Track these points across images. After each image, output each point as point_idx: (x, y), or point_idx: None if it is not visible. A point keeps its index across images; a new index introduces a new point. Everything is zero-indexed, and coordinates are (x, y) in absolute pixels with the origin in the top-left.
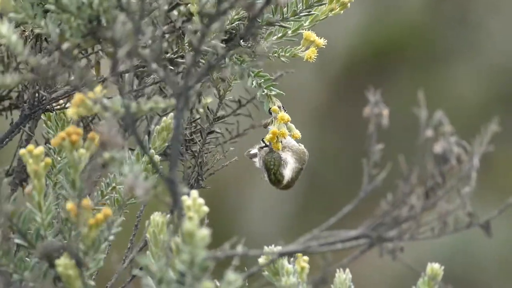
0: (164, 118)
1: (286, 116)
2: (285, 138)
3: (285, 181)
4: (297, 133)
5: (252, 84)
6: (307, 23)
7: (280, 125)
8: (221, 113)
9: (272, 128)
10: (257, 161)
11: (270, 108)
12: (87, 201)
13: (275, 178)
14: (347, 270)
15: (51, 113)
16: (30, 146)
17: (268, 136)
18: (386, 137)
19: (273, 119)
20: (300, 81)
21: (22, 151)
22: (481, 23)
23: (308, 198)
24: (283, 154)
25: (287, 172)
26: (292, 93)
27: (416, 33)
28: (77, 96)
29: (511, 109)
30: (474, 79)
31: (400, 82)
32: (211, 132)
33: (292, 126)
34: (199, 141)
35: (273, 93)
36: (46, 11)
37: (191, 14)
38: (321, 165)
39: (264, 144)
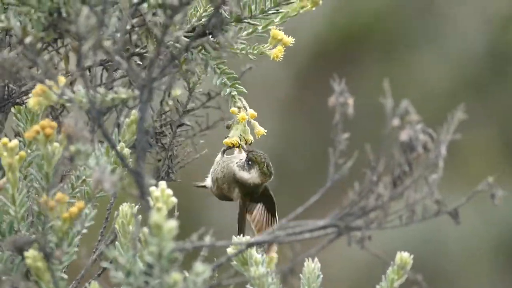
0: (134, 111)
1: (252, 113)
2: (249, 143)
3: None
4: (262, 130)
5: (217, 82)
6: (277, 19)
7: (242, 125)
8: (191, 105)
9: (233, 130)
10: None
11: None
12: (61, 195)
13: (268, 171)
14: (316, 259)
15: (21, 107)
16: (5, 139)
17: (228, 140)
18: (352, 126)
19: (235, 120)
20: (267, 70)
21: None
22: (447, 10)
23: (275, 187)
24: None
25: None
26: (259, 82)
27: (382, 20)
28: (38, 86)
29: (478, 96)
30: (441, 66)
31: (367, 70)
32: (181, 124)
33: (256, 123)
34: (169, 133)
35: (235, 93)
36: (8, 5)
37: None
38: (289, 154)
39: (226, 148)
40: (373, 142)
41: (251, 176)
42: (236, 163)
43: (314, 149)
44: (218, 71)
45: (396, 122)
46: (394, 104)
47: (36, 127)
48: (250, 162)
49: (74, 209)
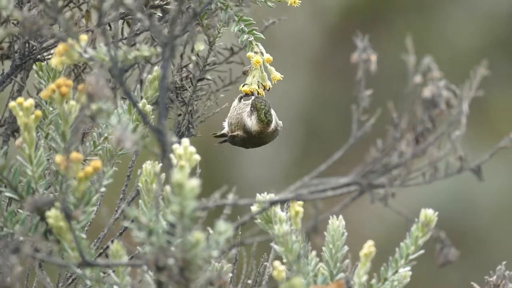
0: (156, 67)
1: (267, 57)
2: (267, 89)
3: (272, 125)
4: (278, 75)
5: (235, 29)
6: None
7: (258, 71)
8: (212, 59)
9: (250, 77)
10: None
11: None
12: (76, 154)
13: (266, 118)
14: (340, 217)
15: (42, 63)
16: (20, 99)
17: (246, 87)
18: (377, 83)
19: (251, 65)
20: (295, 29)
21: (12, 103)
22: None
23: (305, 145)
24: None
25: (274, 116)
26: (287, 41)
27: None
28: (61, 45)
29: (507, 54)
30: (469, 24)
31: (395, 29)
32: (202, 79)
33: (273, 68)
34: (189, 87)
35: (252, 38)
36: None
37: None
38: (318, 112)
39: (243, 94)
40: (396, 100)
41: (251, 122)
42: (247, 111)
43: (343, 108)
44: (236, 18)
45: (418, 78)
46: (416, 61)
47: (52, 85)
48: (252, 108)
49: (89, 169)
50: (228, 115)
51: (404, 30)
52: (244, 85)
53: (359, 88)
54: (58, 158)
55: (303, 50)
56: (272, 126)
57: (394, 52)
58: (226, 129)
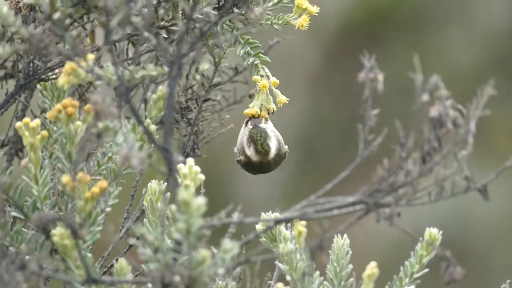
0: (161, 87)
1: (273, 80)
2: (271, 112)
3: (272, 153)
4: (284, 98)
5: (241, 52)
6: None
7: (264, 94)
8: (217, 80)
9: (255, 100)
10: (240, 141)
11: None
12: (83, 174)
13: (262, 149)
14: (345, 235)
15: (46, 83)
16: (26, 119)
17: (249, 110)
18: (381, 102)
19: (257, 89)
20: (294, 46)
21: (18, 124)
22: None
23: (304, 164)
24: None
25: (273, 144)
26: (286, 59)
27: None
28: (68, 65)
29: (507, 73)
30: (468, 43)
31: (394, 47)
32: (207, 99)
33: (278, 92)
34: (194, 108)
35: (258, 61)
36: None
37: None
38: (317, 131)
39: (248, 118)
40: (401, 119)
41: (250, 153)
42: (246, 139)
43: (341, 126)
44: (242, 41)
45: (425, 97)
46: (423, 80)
47: (58, 106)
48: (249, 139)
49: (95, 189)
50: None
51: (401, 49)
52: (247, 107)
53: (366, 107)
54: (65, 178)
55: (301, 68)
56: (272, 155)
57: (393, 70)
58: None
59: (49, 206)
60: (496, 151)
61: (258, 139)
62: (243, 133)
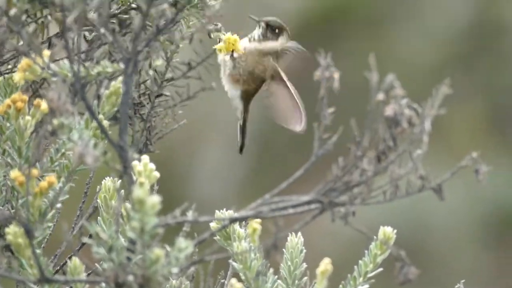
0: (113, 82)
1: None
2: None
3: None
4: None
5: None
6: None
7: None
8: (169, 75)
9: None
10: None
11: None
12: (32, 169)
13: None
14: (299, 234)
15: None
16: None
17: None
18: (336, 100)
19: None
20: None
21: None
22: None
23: (260, 162)
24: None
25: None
26: None
27: None
28: (24, 61)
29: (462, 71)
30: (424, 40)
31: (350, 45)
32: (160, 95)
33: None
34: (147, 104)
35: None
36: None
37: None
38: (272, 129)
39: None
40: (357, 118)
41: (280, 42)
42: (251, 44)
43: None
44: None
45: (381, 96)
46: (378, 79)
47: (8, 101)
48: (277, 30)
49: (44, 184)
50: (230, 93)
51: (357, 47)
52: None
53: (321, 105)
54: (13, 173)
55: None
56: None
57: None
58: (241, 108)
59: (1, 202)
60: (452, 150)
61: (287, 27)
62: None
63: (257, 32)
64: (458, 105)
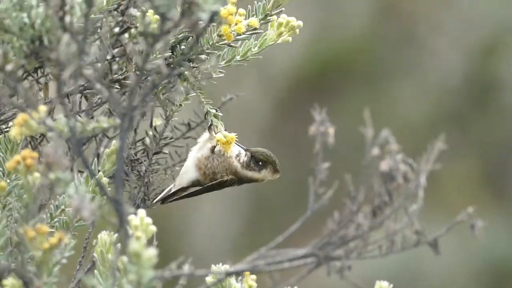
0: (114, 141)
1: (230, 136)
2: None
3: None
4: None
5: (205, 110)
6: (255, 48)
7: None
8: (168, 134)
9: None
10: (200, 172)
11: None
12: (41, 225)
13: (279, 168)
14: None
15: (0, 136)
16: None
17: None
18: (331, 155)
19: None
20: (245, 98)
21: None
22: (425, 42)
23: (254, 216)
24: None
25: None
26: (237, 110)
27: (360, 51)
28: (20, 116)
29: (457, 127)
30: (420, 97)
31: (345, 100)
32: (158, 152)
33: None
34: (144, 161)
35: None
36: None
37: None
38: (268, 183)
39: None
40: (352, 172)
41: (262, 175)
42: (236, 159)
43: (292, 178)
44: (203, 100)
45: (376, 151)
46: (374, 134)
47: (17, 157)
48: (260, 163)
49: (54, 240)
50: (192, 163)
51: (353, 102)
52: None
53: (317, 160)
54: (23, 229)
55: (251, 119)
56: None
57: (344, 123)
58: (185, 182)
59: (5, 257)
60: (447, 205)
61: (274, 161)
62: (217, 156)
63: (243, 157)
64: (453, 160)
